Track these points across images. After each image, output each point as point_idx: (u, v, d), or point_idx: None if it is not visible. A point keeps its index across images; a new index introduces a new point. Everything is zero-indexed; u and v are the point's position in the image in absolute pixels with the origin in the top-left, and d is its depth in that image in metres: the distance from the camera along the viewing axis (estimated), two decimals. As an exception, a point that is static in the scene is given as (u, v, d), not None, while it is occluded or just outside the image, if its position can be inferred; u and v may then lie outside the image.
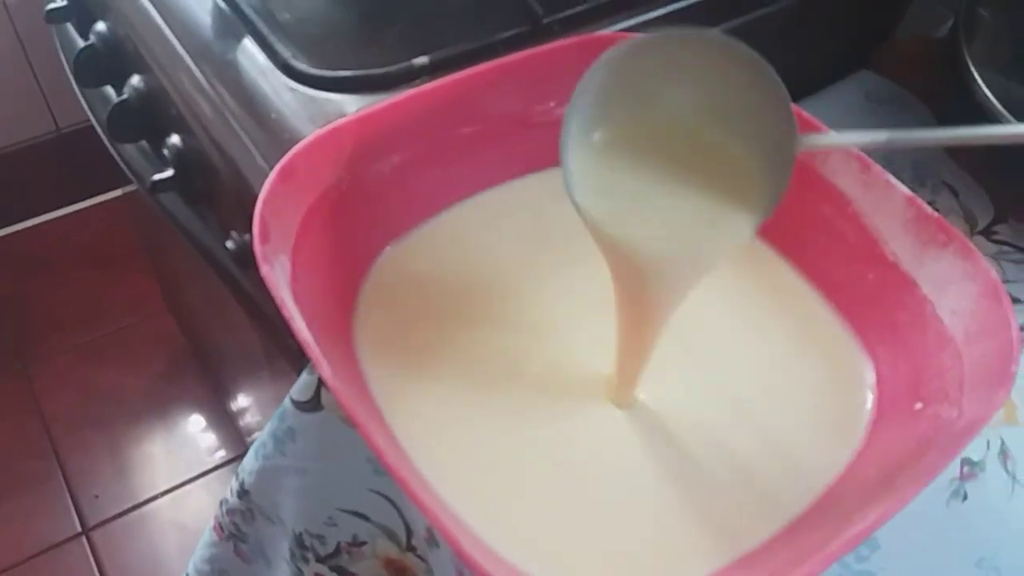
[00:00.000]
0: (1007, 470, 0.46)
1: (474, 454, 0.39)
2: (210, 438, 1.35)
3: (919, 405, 0.38)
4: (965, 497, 0.45)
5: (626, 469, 0.39)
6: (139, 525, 1.26)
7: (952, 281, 0.40)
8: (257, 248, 0.36)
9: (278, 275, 0.36)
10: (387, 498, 0.54)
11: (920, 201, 0.41)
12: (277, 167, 0.38)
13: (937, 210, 0.59)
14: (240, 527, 0.68)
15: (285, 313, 0.34)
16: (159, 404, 1.38)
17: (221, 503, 0.69)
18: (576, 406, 0.41)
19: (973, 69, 0.56)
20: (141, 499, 1.28)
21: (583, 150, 0.35)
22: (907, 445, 0.36)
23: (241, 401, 1.23)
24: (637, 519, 0.37)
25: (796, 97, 0.66)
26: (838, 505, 0.36)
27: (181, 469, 1.31)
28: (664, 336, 0.39)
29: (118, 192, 1.57)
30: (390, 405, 0.39)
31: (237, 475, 0.64)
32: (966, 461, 0.46)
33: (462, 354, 0.42)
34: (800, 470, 0.38)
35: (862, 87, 0.68)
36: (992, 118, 0.54)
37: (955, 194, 0.60)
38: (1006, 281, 0.55)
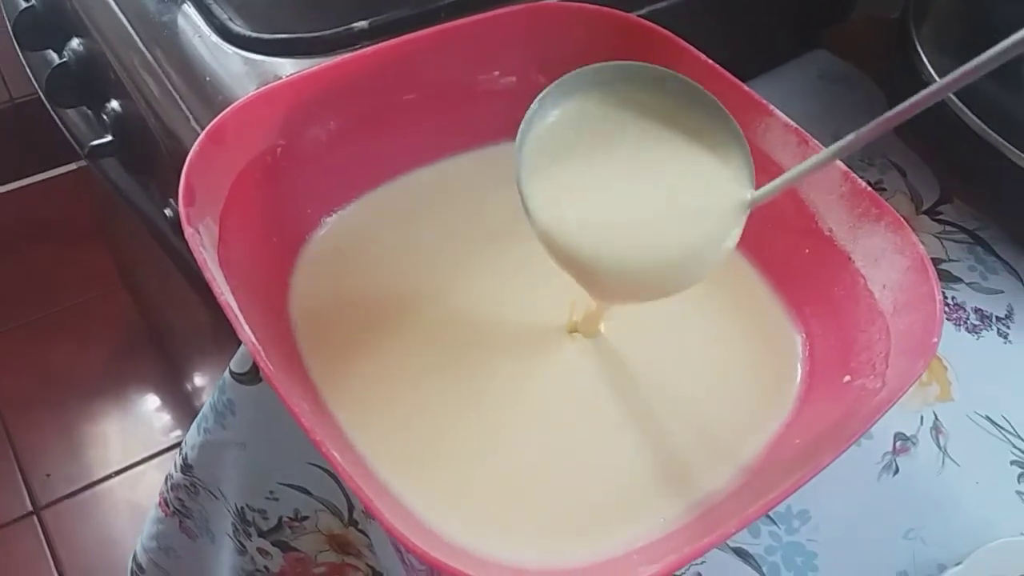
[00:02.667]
0: (939, 445, 0.46)
1: (413, 426, 0.39)
2: (165, 418, 1.33)
3: (847, 378, 0.38)
4: (897, 471, 0.45)
5: (566, 440, 0.39)
6: (91, 505, 1.24)
7: (884, 255, 0.40)
8: (182, 210, 0.35)
9: (203, 238, 0.35)
10: (328, 472, 0.53)
11: (854, 176, 0.41)
12: (206, 129, 0.38)
13: (884, 189, 0.60)
14: (185, 503, 0.67)
15: (207, 275, 0.33)
16: (113, 383, 1.36)
17: (166, 478, 0.68)
18: (519, 368, 0.41)
19: (920, 50, 0.57)
20: (94, 478, 1.26)
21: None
22: (833, 417, 0.36)
23: (196, 380, 1.21)
24: (589, 476, 0.37)
25: (752, 75, 0.66)
26: (761, 475, 0.36)
27: (135, 448, 1.29)
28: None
29: (73, 166, 1.54)
30: (324, 376, 0.39)
31: (181, 449, 0.64)
32: (899, 436, 0.46)
33: (400, 324, 0.42)
34: (727, 442, 0.39)
35: (815, 65, 0.68)
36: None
37: (903, 174, 0.61)
38: (948, 260, 0.55)
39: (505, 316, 0.42)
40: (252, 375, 0.51)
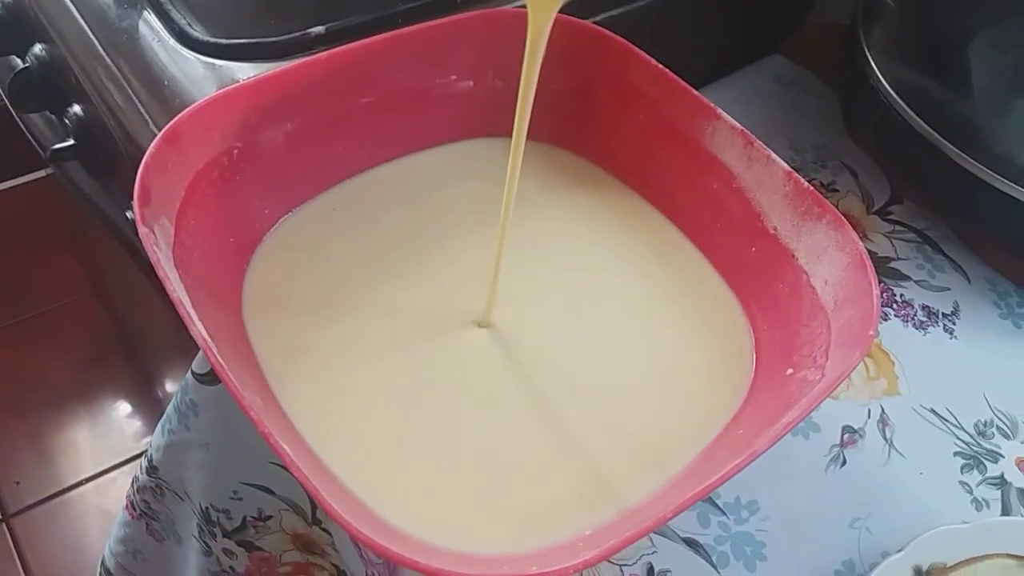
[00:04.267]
0: (885, 437, 0.48)
1: (363, 422, 0.39)
2: (135, 424, 1.32)
3: (790, 371, 0.39)
4: (844, 462, 0.46)
5: (513, 428, 0.39)
6: (62, 512, 1.24)
7: (826, 252, 0.41)
8: (136, 210, 0.36)
9: (158, 238, 0.36)
10: (290, 471, 0.54)
11: (797, 176, 0.43)
12: (162, 131, 0.38)
13: (836, 190, 0.62)
14: (151, 505, 0.68)
15: (160, 274, 0.34)
16: (84, 389, 1.36)
17: (133, 481, 0.68)
18: (470, 361, 0.42)
19: (870, 55, 0.58)
20: (64, 485, 1.26)
21: None
22: (774, 408, 0.37)
23: (167, 386, 1.21)
24: (540, 465, 0.38)
25: (708, 81, 0.67)
26: (703, 463, 0.37)
27: (106, 455, 1.29)
28: (555, 288, 0.42)
29: (43, 173, 1.53)
30: (276, 373, 0.39)
31: (146, 452, 0.64)
32: (847, 429, 0.48)
33: (352, 321, 0.42)
34: (676, 435, 0.40)
35: (771, 70, 0.70)
36: (883, 100, 0.56)
37: (855, 175, 0.62)
38: (897, 258, 0.57)
39: (457, 310, 0.43)
40: (213, 376, 0.52)
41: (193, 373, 0.53)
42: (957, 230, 0.59)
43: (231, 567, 0.61)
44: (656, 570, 0.41)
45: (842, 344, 0.38)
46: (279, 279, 0.42)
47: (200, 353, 0.52)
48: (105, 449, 1.30)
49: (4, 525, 1.21)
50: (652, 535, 0.42)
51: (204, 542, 0.61)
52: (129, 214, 0.51)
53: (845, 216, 0.57)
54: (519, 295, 0.44)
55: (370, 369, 0.40)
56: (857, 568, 0.42)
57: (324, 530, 0.56)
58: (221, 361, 0.32)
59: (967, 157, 0.53)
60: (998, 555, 0.41)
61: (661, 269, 0.46)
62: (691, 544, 0.42)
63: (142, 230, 0.35)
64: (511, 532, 0.36)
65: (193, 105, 0.40)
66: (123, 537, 0.74)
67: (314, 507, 0.55)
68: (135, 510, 0.70)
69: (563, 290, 0.45)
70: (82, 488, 1.26)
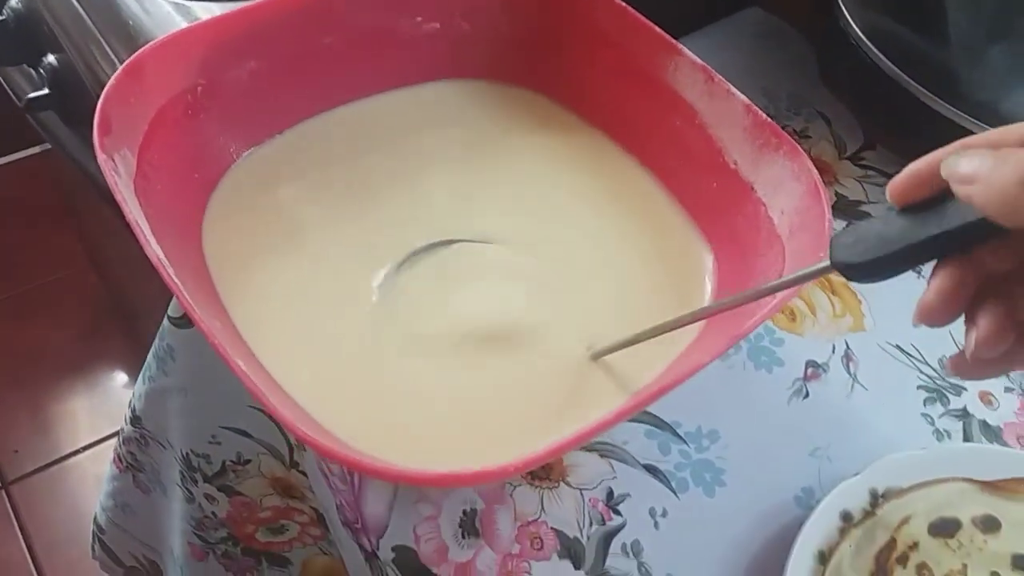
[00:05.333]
0: (849, 372, 0.48)
1: (317, 347, 0.40)
2: (131, 394, 1.33)
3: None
4: (807, 395, 0.47)
5: (471, 356, 0.40)
6: (60, 479, 1.25)
7: (782, 183, 0.42)
8: (96, 138, 0.36)
9: (117, 166, 0.36)
10: (266, 413, 0.55)
11: (756, 108, 0.43)
12: (124, 64, 0.39)
13: (809, 137, 0.62)
14: (136, 456, 0.69)
15: (118, 198, 0.35)
16: (81, 361, 1.37)
17: (118, 434, 0.69)
18: (430, 284, 0.43)
19: (845, 8, 0.58)
20: (62, 454, 1.27)
21: None
22: (730, 331, 0.38)
23: (162, 354, 1.22)
24: (493, 388, 0.39)
25: (687, 31, 0.67)
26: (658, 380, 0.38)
27: (104, 424, 1.30)
28: (521, 222, 0.43)
29: (38, 149, 1.54)
30: (232, 302, 0.40)
31: (130, 403, 0.65)
32: (811, 363, 0.48)
33: (306, 258, 0.43)
34: (645, 356, 0.40)
35: (749, 22, 0.70)
36: (856, 46, 0.56)
37: (827, 122, 0.62)
38: (867, 202, 0.57)
39: (415, 241, 0.44)
40: (187, 319, 0.53)
41: (169, 318, 0.54)
42: (928, 174, 0.59)
43: (213, 512, 0.62)
44: (615, 494, 0.42)
45: (794, 268, 0.38)
46: (240, 213, 0.43)
47: (175, 299, 0.53)
48: (102, 418, 1.31)
49: (3, 492, 1.22)
50: (612, 461, 0.43)
51: (187, 488, 0.62)
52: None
53: (817, 161, 0.58)
54: (487, 228, 0.45)
55: (327, 295, 0.41)
56: (816, 495, 0.43)
57: (302, 472, 0.57)
58: (176, 280, 0.32)
59: (940, 101, 0.53)
60: (954, 479, 0.42)
61: (626, 204, 0.47)
62: (651, 470, 0.43)
63: (101, 157, 0.35)
64: (464, 453, 0.37)
65: (155, 40, 0.40)
66: (112, 491, 0.76)
67: (291, 450, 0.56)
68: (122, 463, 0.71)
69: (529, 224, 0.46)
70: (79, 456, 1.28)
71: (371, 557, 0.42)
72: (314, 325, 0.40)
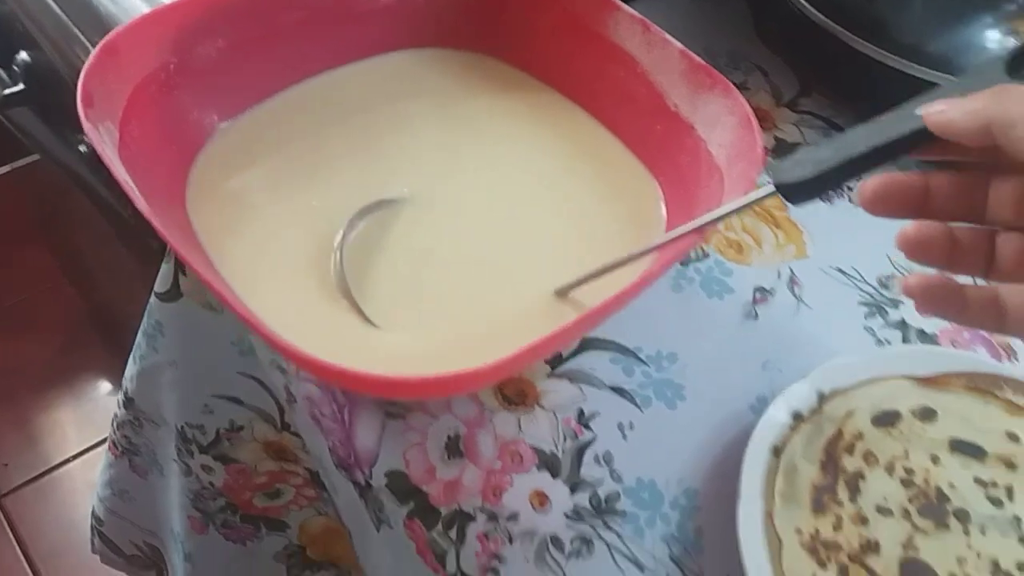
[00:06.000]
0: (794, 294, 0.52)
1: (297, 304, 0.43)
2: (117, 400, 1.35)
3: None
4: (756, 317, 0.51)
5: (433, 287, 0.44)
6: (52, 489, 1.27)
7: (719, 119, 0.45)
8: (81, 110, 0.39)
9: (102, 135, 0.39)
10: (256, 379, 0.58)
11: (691, 53, 0.47)
12: (100, 44, 0.42)
13: (748, 88, 0.66)
14: (131, 440, 0.71)
15: (106, 161, 0.37)
16: (64, 373, 1.39)
17: (112, 420, 0.72)
18: (402, 220, 0.47)
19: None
20: (51, 464, 1.29)
21: None
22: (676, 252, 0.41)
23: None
24: (465, 303, 0.43)
25: None
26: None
27: (91, 432, 1.32)
28: (481, 176, 0.47)
29: (8, 168, 1.55)
30: (220, 265, 0.43)
31: (122, 386, 0.67)
32: (758, 289, 0.52)
33: (282, 215, 0.46)
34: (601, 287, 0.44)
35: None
36: (787, 1, 0.60)
37: (765, 74, 0.66)
38: (805, 143, 0.61)
39: (381, 198, 0.47)
40: (174, 292, 0.55)
41: (155, 294, 0.57)
42: (861, 115, 0.63)
43: (210, 483, 0.65)
44: (586, 413, 0.46)
45: (732, 192, 0.42)
46: (219, 184, 0.46)
47: (161, 274, 0.56)
48: (89, 427, 1.33)
49: (-4, 505, 1.24)
50: (581, 385, 0.46)
51: (183, 462, 0.65)
52: (82, 147, 0.55)
53: (757, 110, 0.62)
54: (451, 183, 0.48)
55: (302, 246, 0.44)
56: (769, 403, 0.47)
57: (293, 434, 0.60)
58: (165, 230, 0.35)
59: (869, 45, 0.57)
60: (893, 377, 0.46)
61: (580, 151, 0.51)
62: (617, 391, 0.47)
63: (87, 126, 0.38)
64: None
65: (128, 21, 0.43)
66: (108, 480, 0.78)
67: (282, 412, 0.59)
68: (117, 448, 0.74)
69: (491, 177, 0.50)
70: (69, 465, 1.29)
71: (365, 490, 0.46)
72: (292, 283, 0.43)
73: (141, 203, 0.36)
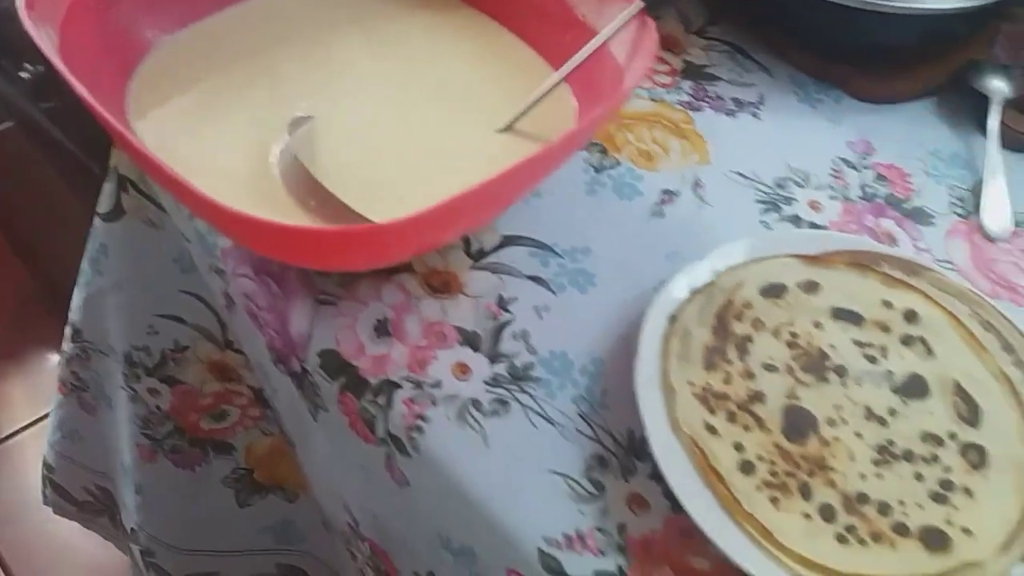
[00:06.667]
0: (697, 195, 0.57)
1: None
2: (66, 333, 1.36)
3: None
4: (663, 215, 0.55)
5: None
6: (3, 460, 1.28)
7: (619, 22, 0.50)
8: (22, 11, 0.42)
9: (43, 35, 0.42)
10: (197, 296, 0.61)
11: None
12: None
13: (658, 18, 0.70)
14: (79, 375, 0.73)
15: (45, 52, 0.40)
16: (12, 346, 1.39)
17: (60, 356, 0.74)
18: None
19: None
20: (2, 435, 1.29)
21: None
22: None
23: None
24: (383, 161, 0.47)
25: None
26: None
27: (41, 403, 1.32)
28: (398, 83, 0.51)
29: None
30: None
31: (67, 320, 0.70)
32: (665, 191, 0.56)
33: (223, 128, 0.49)
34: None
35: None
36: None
37: (675, 4, 0.71)
38: (711, 65, 0.65)
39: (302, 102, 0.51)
40: (117, 211, 0.58)
41: (98, 215, 0.59)
42: (765, 40, 0.68)
43: (158, 407, 0.68)
44: (506, 298, 0.49)
45: (633, 83, 0.46)
46: (157, 97, 0.49)
47: (103, 194, 0.59)
48: (39, 398, 1.33)
49: (-52, 477, 1.24)
50: (501, 275, 0.50)
51: (130, 388, 0.67)
52: (24, 74, 0.57)
53: (667, 37, 0.66)
54: (375, 96, 0.52)
55: (239, 160, 0.47)
56: (672, 286, 0.51)
57: (237, 351, 0.63)
58: (97, 104, 0.38)
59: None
60: (782, 256, 0.50)
61: (498, 62, 0.55)
62: (534, 279, 0.51)
63: (28, 24, 0.41)
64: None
65: (64, -65, 0.46)
66: (59, 422, 0.80)
67: (224, 329, 0.62)
68: (66, 387, 0.76)
69: (422, 75, 0.53)
70: (19, 437, 1.30)
71: (301, 379, 0.49)
72: (231, 196, 0.46)
73: (79, 88, 0.39)
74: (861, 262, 0.50)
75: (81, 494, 0.88)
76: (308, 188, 0.46)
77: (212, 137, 0.49)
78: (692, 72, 0.65)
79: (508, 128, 0.50)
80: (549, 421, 0.45)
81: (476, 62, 0.55)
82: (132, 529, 0.79)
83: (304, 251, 0.41)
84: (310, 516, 0.72)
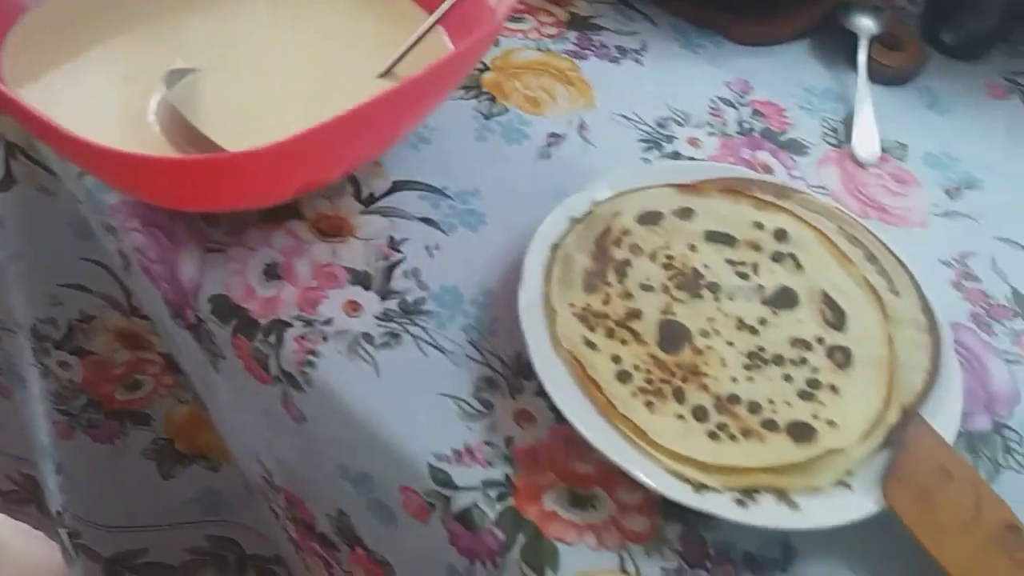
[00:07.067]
0: (583, 137, 0.59)
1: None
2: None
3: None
4: (550, 157, 0.57)
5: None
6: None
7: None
8: None
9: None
10: (98, 263, 0.61)
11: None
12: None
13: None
14: (-11, 357, 0.73)
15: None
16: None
17: (-32, 341, 0.73)
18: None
19: None
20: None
21: None
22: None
23: None
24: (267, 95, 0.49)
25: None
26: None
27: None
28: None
29: None
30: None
31: (-29, 301, 0.69)
32: (552, 135, 0.58)
33: (100, 85, 0.50)
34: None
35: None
36: None
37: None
38: (595, 16, 0.68)
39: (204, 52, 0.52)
40: (7, 180, 0.58)
41: (-9, 186, 0.59)
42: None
43: (70, 380, 0.68)
44: (397, 239, 0.51)
45: (502, 15, 0.48)
46: (33, 56, 0.49)
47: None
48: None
49: None
50: (392, 218, 0.52)
51: (41, 363, 0.67)
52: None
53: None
54: (252, 43, 0.53)
55: (115, 115, 0.48)
56: (559, 221, 0.53)
57: (143, 318, 0.63)
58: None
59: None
60: (658, 186, 0.53)
61: (379, 9, 0.56)
62: (425, 220, 0.52)
63: None
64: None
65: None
66: (-26, 410, 0.79)
67: (128, 295, 0.62)
68: (-23, 371, 0.75)
69: (303, 25, 0.55)
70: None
71: (198, 330, 0.50)
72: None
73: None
74: (734, 188, 0.53)
75: (5, 483, 0.87)
76: (188, 138, 0.47)
77: (90, 94, 0.49)
78: (578, 23, 0.67)
79: (388, 73, 0.51)
80: (440, 349, 0.47)
81: (357, 10, 0.56)
82: (57, 512, 0.79)
83: (171, 185, 0.42)
84: (235, 484, 0.73)
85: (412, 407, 0.44)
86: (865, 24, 0.66)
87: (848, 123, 0.62)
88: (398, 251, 0.51)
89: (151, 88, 0.49)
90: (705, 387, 0.44)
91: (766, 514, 0.40)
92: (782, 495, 0.41)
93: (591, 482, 0.43)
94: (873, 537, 0.41)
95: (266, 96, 0.51)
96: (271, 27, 0.55)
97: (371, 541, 0.50)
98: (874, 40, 0.66)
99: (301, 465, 0.52)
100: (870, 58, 0.65)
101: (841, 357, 0.46)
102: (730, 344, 0.46)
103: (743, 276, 0.49)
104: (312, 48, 0.54)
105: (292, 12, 0.56)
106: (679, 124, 0.61)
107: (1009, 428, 0.47)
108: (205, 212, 0.50)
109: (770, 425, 0.43)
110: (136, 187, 0.46)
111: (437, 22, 0.55)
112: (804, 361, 0.46)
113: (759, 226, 0.51)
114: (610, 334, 0.46)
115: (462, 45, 0.45)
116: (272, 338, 0.46)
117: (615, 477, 0.42)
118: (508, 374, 0.46)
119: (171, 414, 0.71)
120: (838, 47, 0.67)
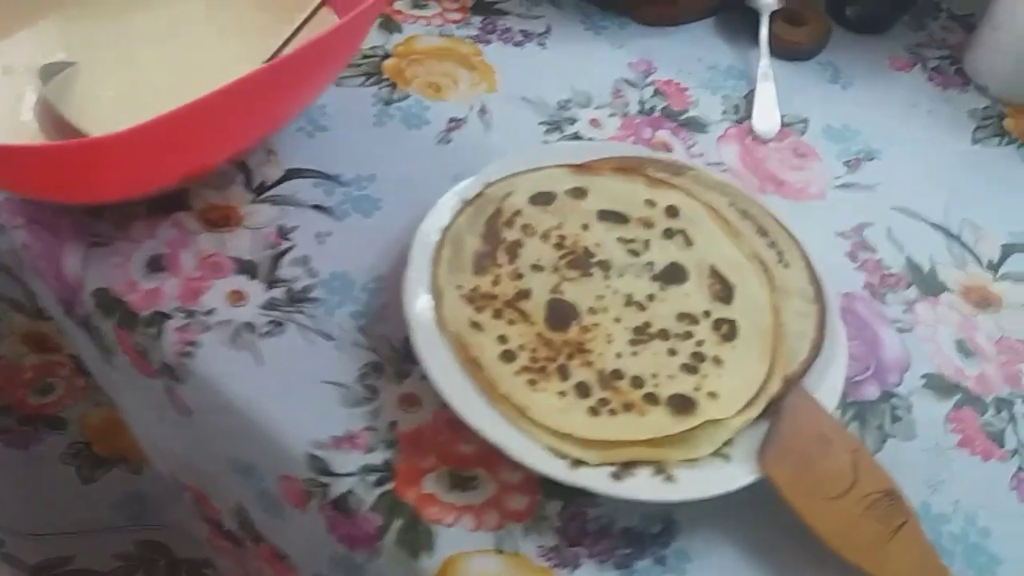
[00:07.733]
0: (483, 121, 0.58)
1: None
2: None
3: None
4: (450, 141, 0.57)
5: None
6: None
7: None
8: None
9: None
10: (2, 266, 0.59)
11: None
12: None
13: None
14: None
15: None
16: None
17: None
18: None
19: None
20: None
21: None
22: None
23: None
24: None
25: None
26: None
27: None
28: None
29: None
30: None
31: None
32: (452, 119, 0.58)
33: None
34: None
35: None
36: None
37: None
38: (500, 1, 0.67)
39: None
40: None
41: None
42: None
43: (-22, 386, 0.66)
44: (286, 227, 0.50)
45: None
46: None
47: None
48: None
49: None
50: (283, 207, 0.51)
51: (-54, 372, 0.66)
52: None
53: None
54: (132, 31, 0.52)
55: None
56: (455, 206, 0.53)
57: (48, 319, 0.62)
58: None
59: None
60: (551, 166, 0.52)
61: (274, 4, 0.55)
62: (317, 208, 0.52)
63: None
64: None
65: None
66: None
67: (32, 297, 0.61)
68: None
69: (172, 20, 0.54)
70: None
71: (88, 326, 0.49)
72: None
73: None
74: (628, 167, 0.53)
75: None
76: (66, 134, 0.46)
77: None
78: (481, 8, 0.67)
79: (275, 57, 0.51)
80: (326, 337, 0.46)
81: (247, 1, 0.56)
82: (-20, 522, 0.77)
83: (39, 175, 0.41)
84: (159, 485, 0.71)
85: (293, 395, 0.44)
86: (766, 1, 0.67)
87: (750, 100, 0.62)
88: (287, 239, 0.50)
89: (30, 82, 0.48)
90: (589, 363, 0.44)
91: (640, 487, 0.40)
92: (660, 468, 0.41)
93: (473, 463, 0.42)
94: (757, 509, 0.41)
95: (147, 90, 0.50)
96: (154, 20, 0.54)
97: (268, 533, 0.49)
98: (778, 16, 0.66)
99: (196, 459, 0.51)
100: (774, 35, 0.65)
101: (727, 329, 0.46)
102: (617, 320, 0.46)
103: (634, 253, 0.49)
104: (198, 40, 0.53)
105: (181, 5, 0.55)
106: (581, 106, 0.60)
107: (896, 396, 0.48)
108: (90, 206, 0.50)
109: (652, 399, 0.43)
110: (10, 181, 0.45)
111: (326, 4, 0.55)
112: (689, 335, 0.46)
113: (651, 204, 0.51)
114: (497, 315, 0.46)
115: (340, 21, 0.45)
116: (152, 330, 0.46)
117: (497, 457, 0.42)
118: (396, 359, 0.46)
119: (86, 417, 0.69)
120: (742, 25, 0.67)
